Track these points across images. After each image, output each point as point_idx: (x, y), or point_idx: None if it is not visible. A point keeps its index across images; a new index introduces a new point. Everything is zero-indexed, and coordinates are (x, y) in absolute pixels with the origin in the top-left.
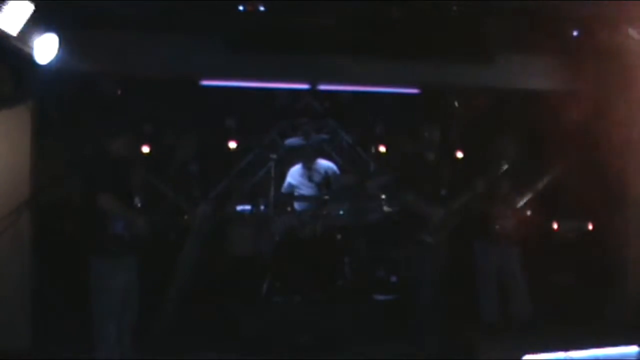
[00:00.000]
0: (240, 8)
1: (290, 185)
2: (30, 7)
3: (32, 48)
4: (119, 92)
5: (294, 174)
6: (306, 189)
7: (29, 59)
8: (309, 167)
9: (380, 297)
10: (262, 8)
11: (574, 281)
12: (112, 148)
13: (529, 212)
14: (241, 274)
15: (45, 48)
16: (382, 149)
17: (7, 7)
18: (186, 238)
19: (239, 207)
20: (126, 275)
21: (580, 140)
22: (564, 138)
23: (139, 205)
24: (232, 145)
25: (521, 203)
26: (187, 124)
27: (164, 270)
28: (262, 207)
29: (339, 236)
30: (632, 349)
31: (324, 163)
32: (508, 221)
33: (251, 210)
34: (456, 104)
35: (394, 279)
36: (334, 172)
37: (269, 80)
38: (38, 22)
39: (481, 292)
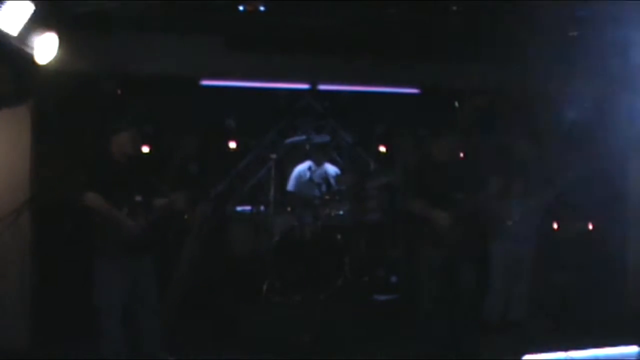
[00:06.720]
0: (240, 8)
1: (294, 185)
2: (30, 7)
3: (32, 48)
4: (119, 92)
5: (298, 174)
6: (307, 189)
7: (29, 59)
8: (318, 165)
9: (380, 297)
10: (262, 8)
11: (574, 281)
12: (112, 148)
13: (529, 212)
14: (241, 274)
15: (45, 48)
16: (382, 149)
17: (7, 7)
18: (186, 238)
19: (239, 207)
20: (126, 275)
21: (581, 140)
22: (564, 137)
23: (138, 205)
24: (232, 145)
25: (521, 203)
26: (187, 124)
27: (164, 270)
28: (262, 207)
29: (339, 236)
30: (632, 349)
31: (330, 167)
32: (508, 221)
33: (251, 210)
34: (456, 104)
35: (394, 279)
36: (336, 173)
37: (269, 80)
38: (38, 22)
39: (481, 292)
